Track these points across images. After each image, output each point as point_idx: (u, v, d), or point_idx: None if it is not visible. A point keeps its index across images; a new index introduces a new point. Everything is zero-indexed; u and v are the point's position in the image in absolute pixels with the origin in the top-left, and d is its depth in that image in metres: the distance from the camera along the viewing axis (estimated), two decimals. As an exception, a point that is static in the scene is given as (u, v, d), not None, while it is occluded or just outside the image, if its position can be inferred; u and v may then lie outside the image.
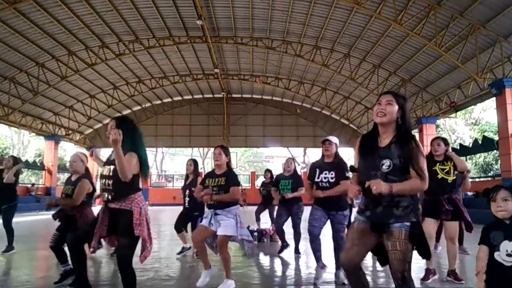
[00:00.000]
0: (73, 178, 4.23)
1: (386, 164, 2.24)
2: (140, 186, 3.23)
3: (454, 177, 4.22)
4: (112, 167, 2.93)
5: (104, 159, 3.35)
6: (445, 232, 4.22)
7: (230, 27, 17.05)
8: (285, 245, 6.24)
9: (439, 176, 4.18)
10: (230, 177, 3.91)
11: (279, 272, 4.94)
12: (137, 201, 2.92)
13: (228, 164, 4.03)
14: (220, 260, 3.95)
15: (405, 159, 2.22)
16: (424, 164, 2.24)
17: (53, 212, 4.33)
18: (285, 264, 5.44)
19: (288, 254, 6.14)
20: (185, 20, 16.39)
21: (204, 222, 3.94)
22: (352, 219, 2.45)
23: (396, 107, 2.29)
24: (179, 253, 5.94)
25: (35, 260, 5.91)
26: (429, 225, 4.17)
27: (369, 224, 2.31)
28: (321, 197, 4.17)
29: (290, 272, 4.95)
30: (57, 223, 4.22)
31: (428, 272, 4.22)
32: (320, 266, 4.27)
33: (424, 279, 4.17)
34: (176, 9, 15.43)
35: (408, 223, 2.21)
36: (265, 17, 16.01)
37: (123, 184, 2.86)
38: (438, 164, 4.23)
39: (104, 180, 2.96)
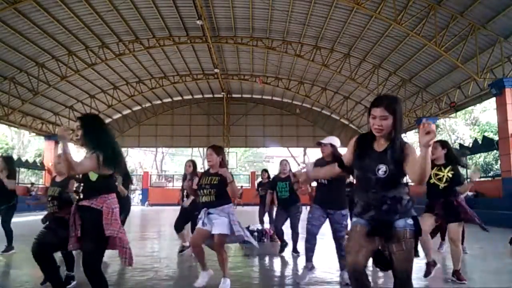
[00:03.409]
0: (58, 179, 4.19)
1: (382, 169, 2.28)
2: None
3: (446, 184, 4.10)
4: None
5: None
6: (448, 234, 4.22)
7: (230, 27, 17.05)
8: (284, 245, 6.25)
9: (431, 181, 4.14)
10: (225, 176, 3.85)
11: (279, 272, 4.94)
12: (110, 202, 2.81)
13: (221, 163, 3.98)
14: (218, 259, 3.96)
15: (399, 162, 2.27)
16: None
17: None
18: (284, 264, 5.44)
19: (287, 254, 6.15)
20: (185, 20, 16.39)
21: (200, 223, 3.95)
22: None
23: (391, 120, 2.28)
24: (180, 252, 6.00)
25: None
26: (426, 221, 4.16)
27: (369, 227, 2.33)
28: (319, 195, 4.26)
29: (290, 272, 4.95)
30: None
31: (429, 266, 4.22)
32: (309, 267, 4.27)
33: (426, 275, 4.17)
34: (176, 9, 15.43)
35: (410, 221, 2.28)
36: (265, 17, 16.01)
37: (93, 184, 2.82)
38: (435, 168, 4.15)
39: (77, 183, 2.96)
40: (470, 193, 14.04)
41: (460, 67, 13.80)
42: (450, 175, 4.10)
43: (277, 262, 5.63)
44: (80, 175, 2.93)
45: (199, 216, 4.00)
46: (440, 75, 16.20)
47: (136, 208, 25.77)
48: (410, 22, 13.12)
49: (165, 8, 15.43)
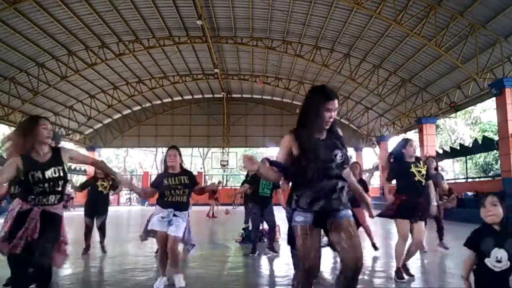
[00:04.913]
0: None
1: (339, 155, 2.37)
2: None
3: (425, 180, 4.20)
4: (60, 167, 2.74)
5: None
6: (414, 233, 4.15)
7: (230, 27, 17.05)
8: (255, 249, 6.13)
9: (416, 178, 4.12)
10: (192, 176, 4.12)
11: (278, 272, 4.94)
12: (62, 206, 2.86)
13: (181, 164, 4.16)
14: (169, 260, 3.96)
15: (344, 146, 2.45)
16: None
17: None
18: (284, 264, 5.43)
19: (287, 253, 6.14)
20: (185, 20, 16.39)
21: (162, 223, 3.93)
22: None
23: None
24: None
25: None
26: (405, 227, 4.13)
27: (314, 219, 2.32)
28: None
29: (290, 272, 4.94)
30: None
31: (400, 271, 4.16)
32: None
33: (399, 278, 4.12)
34: (176, 9, 15.43)
35: (350, 212, 2.37)
36: (265, 17, 16.01)
37: (66, 181, 2.81)
38: (413, 165, 4.17)
39: (50, 182, 2.70)
40: (470, 193, 14.06)
41: (460, 67, 13.80)
42: (425, 169, 4.20)
43: (276, 262, 5.63)
44: (61, 173, 2.75)
45: (162, 215, 3.96)
46: (440, 75, 16.19)
47: (136, 208, 25.78)
48: (410, 22, 13.12)
49: (165, 8, 15.43)
